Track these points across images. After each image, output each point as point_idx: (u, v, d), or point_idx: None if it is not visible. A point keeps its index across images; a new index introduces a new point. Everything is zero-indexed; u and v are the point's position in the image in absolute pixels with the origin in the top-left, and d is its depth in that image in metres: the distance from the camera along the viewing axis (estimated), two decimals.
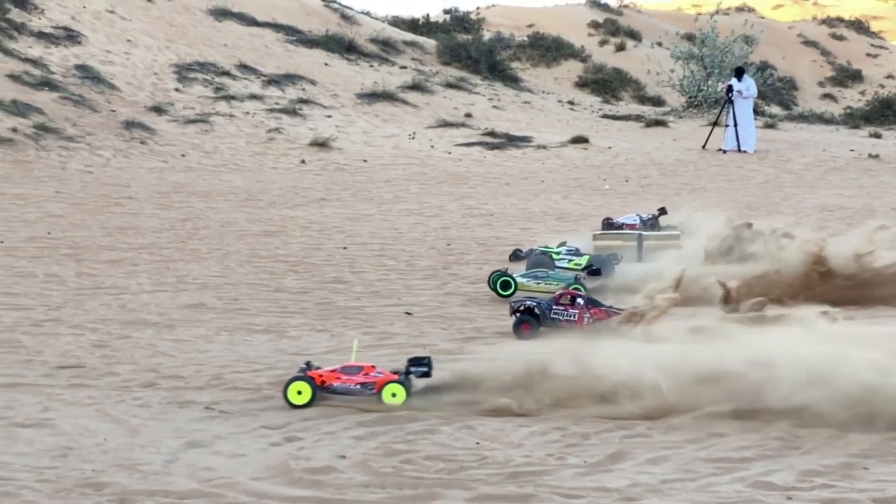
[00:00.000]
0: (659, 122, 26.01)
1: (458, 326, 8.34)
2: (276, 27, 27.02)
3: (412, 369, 6.14)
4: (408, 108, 24.00)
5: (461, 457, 5.16)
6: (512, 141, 22.14)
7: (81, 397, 5.98)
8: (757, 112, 24.98)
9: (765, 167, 20.44)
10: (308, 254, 11.72)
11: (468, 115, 24.13)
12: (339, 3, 30.44)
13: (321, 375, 5.99)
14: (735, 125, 22.13)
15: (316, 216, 14.41)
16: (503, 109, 25.88)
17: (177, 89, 22.45)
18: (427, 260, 11.51)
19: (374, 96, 24.10)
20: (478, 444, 5.38)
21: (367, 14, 32.19)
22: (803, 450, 5.38)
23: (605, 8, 43.76)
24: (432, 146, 21.48)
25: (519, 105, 26.76)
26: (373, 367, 6.13)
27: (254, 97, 22.80)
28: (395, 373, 6.11)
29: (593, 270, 9.73)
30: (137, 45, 23.82)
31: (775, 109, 32.07)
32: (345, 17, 29.29)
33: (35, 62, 21.32)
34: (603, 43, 38.90)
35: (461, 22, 36.96)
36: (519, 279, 9.15)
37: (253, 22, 26.85)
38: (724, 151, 21.98)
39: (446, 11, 38.66)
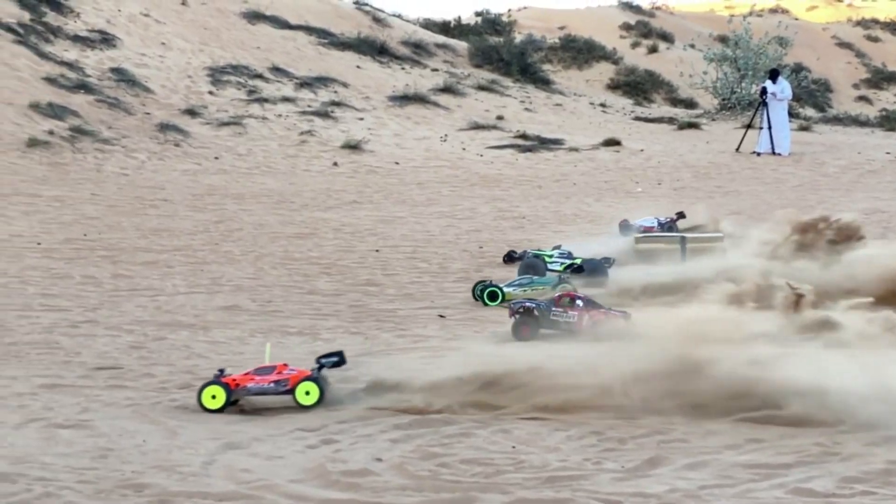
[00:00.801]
0: (692, 125, 25.86)
1: (492, 329, 8.33)
2: (308, 30, 27.14)
3: (323, 361, 6.25)
4: (439, 110, 24.02)
5: (497, 461, 5.15)
6: (544, 143, 22.10)
7: (119, 398, 6.03)
8: (791, 114, 24.78)
9: (799, 170, 20.27)
10: (341, 256, 11.76)
11: (500, 118, 24.11)
12: (371, 6, 30.51)
13: (234, 379, 6.10)
14: (769, 128, 21.96)
15: (348, 219, 14.45)
16: (535, 112, 25.84)
17: (210, 92, 22.59)
18: (459, 263, 11.51)
19: (405, 99, 24.14)
20: (514, 447, 5.37)
21: (399, 17, 32.25)
22: (842, 456, 5.33)
23: (637, 10, 43.58)
24: (464, 149, 21.48)
25: (550, 107, 26.71)
26: (285, 365, 6.25)
27: (286, 100, 22.91)
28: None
29: (576, 269, 9.72)
30: (172, 48, 23.99)
31: (810, 111, 31.80)
32: (376, 20, 29.36)
33: (71, 65, 21.53)
34: (635, 45, 38.73)
35: (492, 24, 36.92)
36: (505, 289, 9.09)
37: (285, 25, 26.97)
38: (759, 154, 21.82)
39: (477, 14, 38.64)
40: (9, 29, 21.73)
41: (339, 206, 15.69)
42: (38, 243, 11.85)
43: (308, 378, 6.07)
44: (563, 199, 16.84)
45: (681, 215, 12.76)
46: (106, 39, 23.20)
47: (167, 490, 4.42)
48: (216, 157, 19.51)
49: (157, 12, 25.26)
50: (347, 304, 9.30)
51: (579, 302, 7.64)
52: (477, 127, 23.01)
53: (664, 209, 13.50)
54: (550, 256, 10.26)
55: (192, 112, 21.37)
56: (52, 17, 23.20)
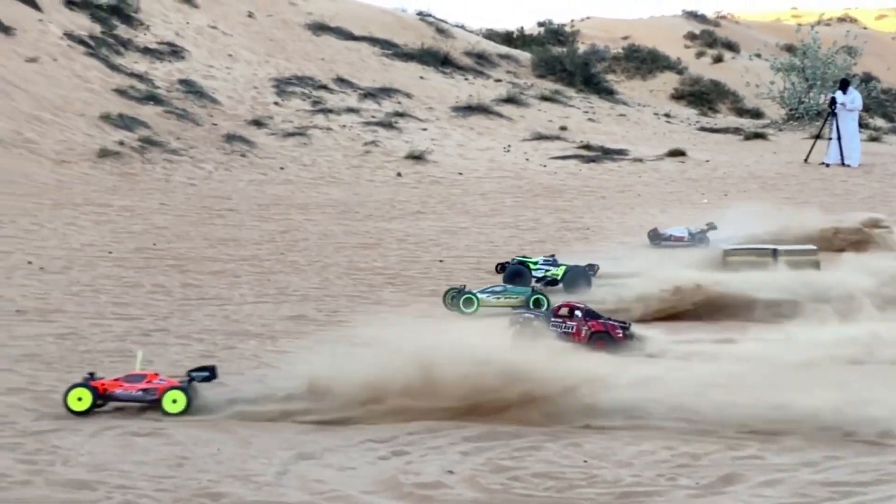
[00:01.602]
0: (758, 135, 25.53)
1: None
2: (372, 41, 27.32)
3: (193, 374, 6.31)
4: (502, 121, 24.01)
5: (569, 475, 5.11)
6: (607, 154, 21.97)
7: (192, 406, 6.08)
8: (861, 125, 24.35)
9: (870, 181, 19.90)
10: (405, 266, 11.78)
11: (563, 128, 24.03)
12: (435, 17, 30.64)
13: (103, 384, 6.17)
14: (839, 138, 21.60)
15: (412, 229, 14.48)
16: (598, 122, 25.71)
17: (276, 103, 22.83)
18: None
19: (468, 109, 24.17)
20: (585, 462, 5.32)
21: (462, 27, 32.33)
22: None
23: (702, 19, 43.20)
24: (527, 159, 21.44)
25: (614, 118, 26.56)
26: (156, 374, 6.33)
27: (350, 110, 23.06)
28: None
29: (550, 281, 9.64)
30: (238, 60, 24.30)
31: (879, 122, 31.22)
32: (440, 31, 29.46)
33: (141, 77, 21.90)
34: (700, 54, 38.39)
35: (555, 34, 36.86)
36: (480, 295, 9.01)
37: (350, 36, 27.18)
38: (828, 165, 21.46)
39: (540, 24, 38.60)
40: (81, 41, 22.18)
41: (402, 216, 15.73)
42: (110, 252, 12.04)
43: (176, 387, 6.16)
44: (628, 209, 16.71)
45: (711, 226, 12.61)
46: (175, 52, 23.58)
47: (243, 500, 4.45)
48: (281, 168, 19.69)
49: (224, 24, 25.62)
50: (413, 316, 9.30)
51: (578, 312, 7.61)
52: (540, 137, 22.95)
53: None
54: (535, 264, 10.27)
55: (257, 123, 21.61)
56: (122, 30, 23.63)
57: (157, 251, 12.24)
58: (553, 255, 10.68)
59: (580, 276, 9.85)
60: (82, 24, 23.01)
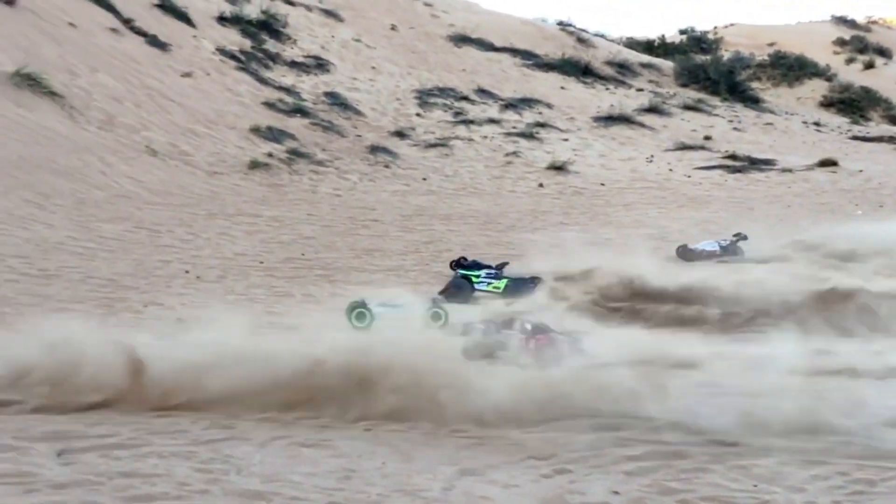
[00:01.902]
0: None
1: None
2: (513, 51, 27.35)
3: None
4: (645, 130, 23.67)
5: (739, 499, 4.95)
6: (754, 164, 21.40)
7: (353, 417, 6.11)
8: None
9: None
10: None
11: (707, 138, 23.54)
12: (575, 27, 30.48)
13: None
14: None
15: (556, 240, 14.37)
16: (744, 131, 25.09)
17: (418, 114, 23.07)
18: None
19: (610, 119, 23.93)
20: (755, 486, 5.14)
21: (603, 37, 32.06)
22: None
23: (852, 24, 41.76)
24: (670, 169, 21.07)
25: (760, 127, 25.88)
26: None
27: (491, 121, 23.11)
28: None
29: (451, 294, 9.35)
30: (381, 72, 24.67)
31: None
32: (581, 41, 29.29)
33: (288, 90, 22.44)
34: (850, 61, 37.12)
35: (698, 42, 36.20)
36: (375, 308, 8.69)
37: (490, 47, 27.27)
38: None
39: (682, 32, 37.98)
40: (232, 56, 22.88)
41: (545, 227, 15.64)
42: (261, 262, 12.31)
43: None
44: (777, 221, 16.22)
45: (740, 236, 12.17)
46: (320, 65, 24.09)
47: None
48: (424, 178, 19.86)
49: (367, 37, 26.05)
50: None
51: (528, 325, 7.51)
52: (684, 147, 22.53)
53: None
54: (478, 276, 10.02)
55: (400, 134, 21.86)
56: (271, 45, 24.28)
57: (305, 261, 12.46)
58: (496, 268, 10.52)
59: (521, 288, 9.75)
60: (233, 39, 23.74)
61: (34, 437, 4.99)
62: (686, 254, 12.18)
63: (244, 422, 5.28)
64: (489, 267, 10.67)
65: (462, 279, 10.23)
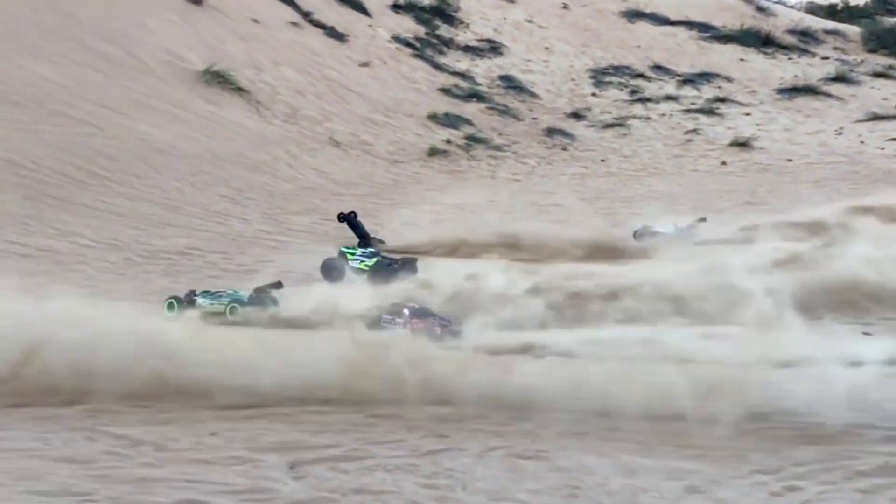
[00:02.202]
0: None
1: None
2: (688, 24, 26.67)
3: None
4: (832, 101, 22.70)
5: None
6: None
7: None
8: None
9: None
10: None
11: None
12: None
13: None
14: None
15: (742, 221, 13.96)
16: None
17: (593, 94, 22.81)
18: None
19: (794, 91, 23.06)
20: None
21: (782, 3, 30.88)
22: None
23: None
24: (862, 142, 20.14)
25: None
26: None
27: (669, 98, 22.64)
28: None
29: (273, 284, 8.61)
30: (554, 52, 24.50)
31: None
32: (760, 10, 28.29)
33: (463, 75, 22.57)
34: None
35: (885, 4, 34.33)
36: (199, 300, 8.09)
37: (665, 21, 26.68)
38: None
39: None
40: (407, 44, 23.18)
41: (731, 207, 15.23)
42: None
43: None
44: None
45: (702, 220, 12.01)
46: (494, 48, 24.12)
47: None
48: (602, 160, 19.64)
49: (539, 18, 25.90)
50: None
51: (406, 311, 7.23)
52: (876, 117, 21.49)
53: None
54: (353, 254, 9.73)
55: (576, 115, 21.68)
56: (444, 30, 24.47)
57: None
58: (372, 248, 10.07)
59: (382, 271, 9.30)
60: (408, 26, 24.04)
61: (263, 447, 5.14)
62: (642, 236, 11.99)
63: (456, 432, 5.30)
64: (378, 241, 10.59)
65: (336, 259, 9.90)
